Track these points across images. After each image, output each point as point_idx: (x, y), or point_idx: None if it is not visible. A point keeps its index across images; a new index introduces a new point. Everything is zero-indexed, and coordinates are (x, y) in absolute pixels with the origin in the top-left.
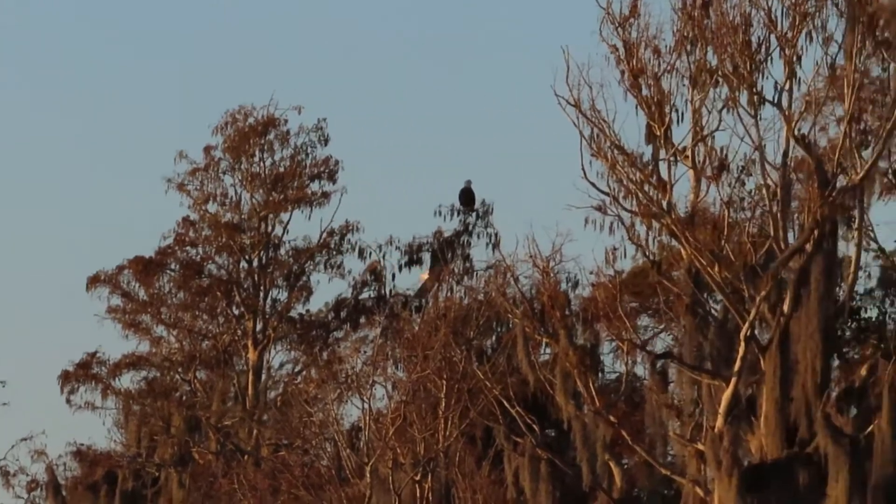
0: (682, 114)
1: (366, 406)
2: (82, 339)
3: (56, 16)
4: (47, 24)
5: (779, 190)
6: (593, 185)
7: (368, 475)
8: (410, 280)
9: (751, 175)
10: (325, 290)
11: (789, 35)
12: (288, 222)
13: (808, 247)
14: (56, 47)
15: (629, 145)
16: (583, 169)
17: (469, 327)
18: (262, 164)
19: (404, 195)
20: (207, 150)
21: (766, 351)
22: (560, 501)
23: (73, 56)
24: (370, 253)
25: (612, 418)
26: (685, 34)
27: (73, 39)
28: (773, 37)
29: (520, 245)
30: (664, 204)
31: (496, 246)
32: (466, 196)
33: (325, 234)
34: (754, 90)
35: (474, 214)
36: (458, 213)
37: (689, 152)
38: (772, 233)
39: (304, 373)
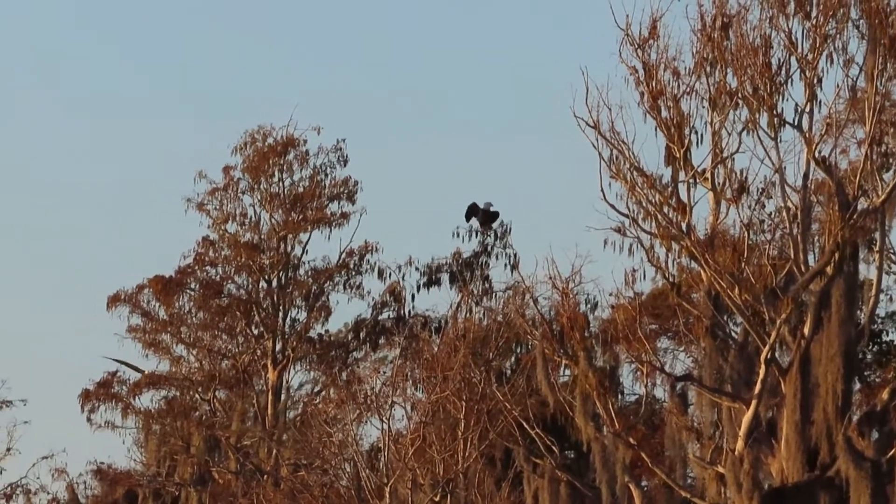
0: (702, 136)
1: (385, 427)
2: (103, 358)
3: (82, 37)
4: (75, 46)
5: (799, 212)
6: (612, 206)
7: (388, 496)
8: (430, 301)
9: (771, 197)
10: (345, 310)
11: (810, 57)
12: (307, 242)
13: (829, 269)
14: (80, 68)
15: (648, 167)
16: (602, 190)
17: (488, 348)
18: (281, 184)
19: (423, 215)
20: (227, 170)
21: (786, 374)
22: None
23: (94, 76)
24: (389, 274)
25: (631, 440)
26: (705, 56)
27: (97, 59)
28: (793, 59)
29: (539, 266)
30: (683, 226)
31: (514, 267)
32: (486, 215)
33: (344, 255)
34: (774, 112)
35: (492, 234)
36: (477, 234)
37: (708, 174)
38: (792, 255)
39: (323, 393)
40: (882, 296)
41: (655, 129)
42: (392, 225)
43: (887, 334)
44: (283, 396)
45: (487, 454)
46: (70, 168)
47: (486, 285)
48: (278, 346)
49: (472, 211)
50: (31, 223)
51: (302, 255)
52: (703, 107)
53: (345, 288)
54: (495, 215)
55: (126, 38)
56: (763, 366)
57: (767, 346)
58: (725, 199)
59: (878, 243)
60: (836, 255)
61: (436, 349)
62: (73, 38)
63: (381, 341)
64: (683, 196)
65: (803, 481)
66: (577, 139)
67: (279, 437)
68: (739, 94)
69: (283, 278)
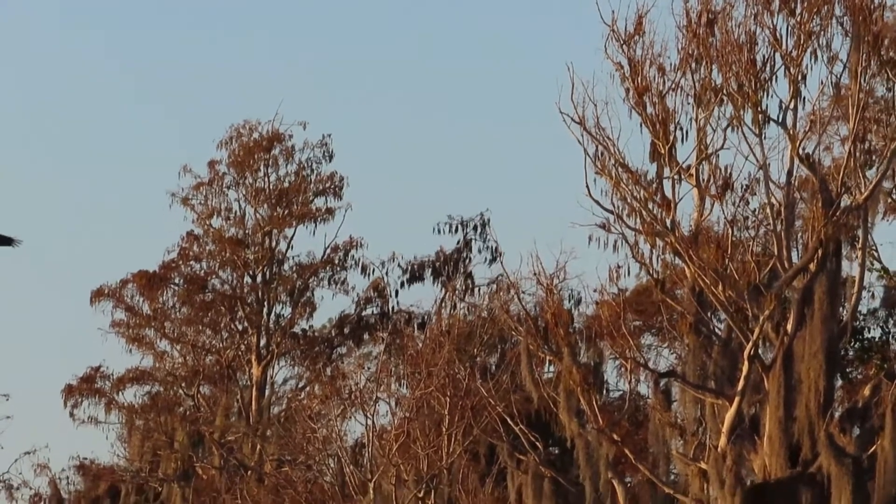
0: (687, 132)
1: (369, 422)
2: (86, 352)
3: (61, 28)
4: (52, 39)
5: (783, 209)
6: (597, 202)
7: (372, 491)
8: (414, 296)
9: (755, 194)
10: (329, 306)
11: (794, 54)
12: (292, 238)
13: (812, 266)
14: (57, 62)
15: (633, 163)
16: (587, 186)
17: (473, 344)
18: (266, 179)
19: (409, 211)
20: (212, 164)
21: (769, 370)
22: None
23: (75, 69)
24: (372, 270)
25: (615, 436)
26: (690, 52)
27: (75, 54)
28: (777, 55)
29: (523, 262)
30: (668, 222)
31: (494, 261)
32: None
33: (329, 251)
34: (759, 109)
35: (473, 228)
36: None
37: (693, 171)
38: (775, 252)
39: (307, 388)
40: (864, 293)
41: (641, 126)
42: (378, 220)
43: (869, 331)
44: (267, 392)
45: (471, 450)
46: (52, 162)
47: (469, 282)
48: (262, 342)
49: None
50: (13, 218)
51: (287, 250)
52: (689, 103)
53: (329, 283)
54: None
55: (108, 34)
56: (746, 362)
57: (751, 343)
58: (710, 195)
59: (860, 240)
60: (820, 251)
61: (420, 345)
62: (53, 31)
63: (366, 337)
64: (668, 192)
65: (786, 477)
66: (563, 135)
67: (263, 433)
68: (724, 91)
69: (267, 274)
